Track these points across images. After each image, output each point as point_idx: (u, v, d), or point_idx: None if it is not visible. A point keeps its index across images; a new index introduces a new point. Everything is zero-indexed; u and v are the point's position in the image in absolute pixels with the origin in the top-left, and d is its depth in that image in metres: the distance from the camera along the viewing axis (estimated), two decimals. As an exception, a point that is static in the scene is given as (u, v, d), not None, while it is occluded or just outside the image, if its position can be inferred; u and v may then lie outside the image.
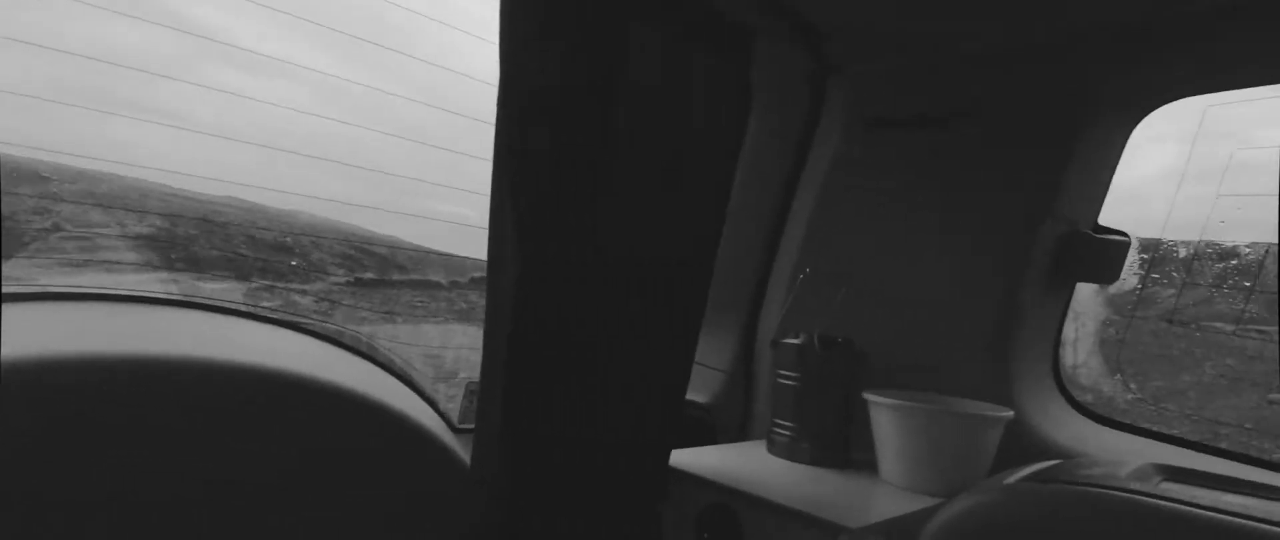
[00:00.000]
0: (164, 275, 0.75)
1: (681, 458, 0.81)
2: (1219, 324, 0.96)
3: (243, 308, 0.72)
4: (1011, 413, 0.78)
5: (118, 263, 0.73)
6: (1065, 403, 0.93)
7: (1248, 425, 0.88)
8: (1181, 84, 0.80)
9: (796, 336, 0.89)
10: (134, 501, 0.59)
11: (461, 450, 0.78)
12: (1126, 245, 0.88)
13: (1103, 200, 0.89)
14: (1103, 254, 0.87)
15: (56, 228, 0.87)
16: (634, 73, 0.63)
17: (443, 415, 0.84)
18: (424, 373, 0.80)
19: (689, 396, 1.03)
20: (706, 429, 1.03)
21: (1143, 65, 0.80)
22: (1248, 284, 0.89)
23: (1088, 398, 0.94)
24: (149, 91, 0.98)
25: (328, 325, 0.78)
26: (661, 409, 0.76)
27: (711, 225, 0.75)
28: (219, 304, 0.73)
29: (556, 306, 0.62)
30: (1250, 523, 0.45)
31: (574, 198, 0.61)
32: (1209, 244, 0.92)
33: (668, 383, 0.76)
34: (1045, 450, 0.85)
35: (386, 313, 0.94)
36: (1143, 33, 0.78)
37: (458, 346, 0.93)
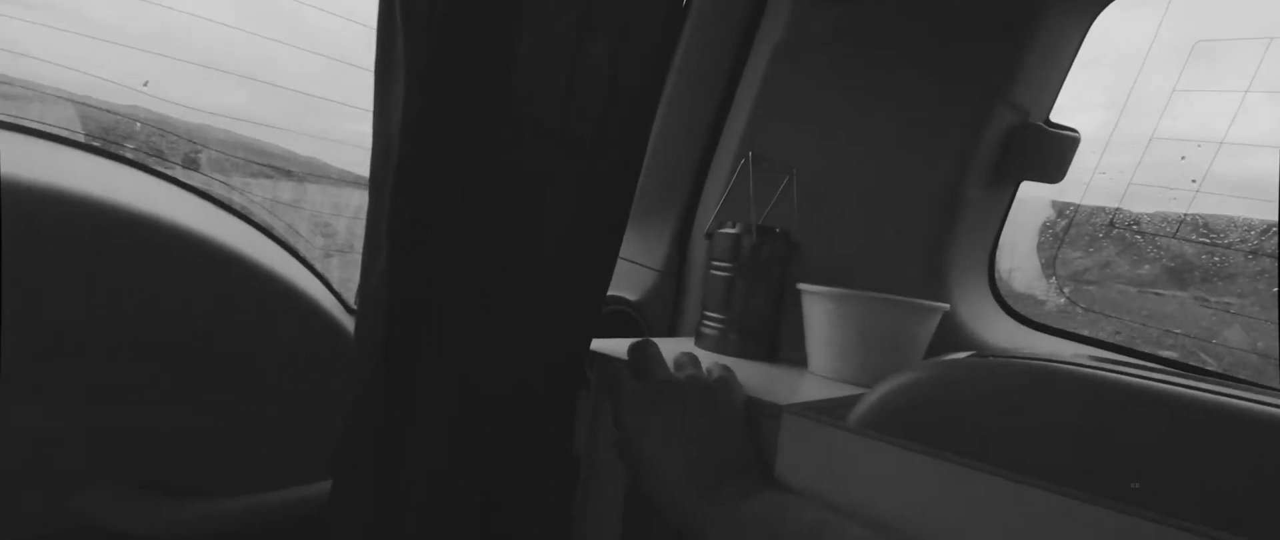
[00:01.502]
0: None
1: (602, 345, 0.75)
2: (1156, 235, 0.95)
3: (87, 140, 0.59)
4: (947, 306, 0.74)
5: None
6: (997, 305, 0.91)
7: (1176, 329, 0.88)
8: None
9: (733, 226, 0.83)
10: None
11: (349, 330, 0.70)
12: (1076, 142, 0.85)
13: (1057, 94, 0.85)
14: (1052, 149, 0.84)
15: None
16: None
17: (336, 294, 0.74)
18: (312, 243, 0.70)
19: (616, 292, 0.97)
20: (633, 324, 0.98)
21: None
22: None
23: (1021, 303, 0.92)
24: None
25: (193, 176, 0.67)
26: (580, 304, 0.68)
27: (640, 118, 0.66)
28: (54, 131, 0.59)
29: (454, 156, 0.53)
30: (1187, 390, 0.43)
31: (472, 75, 0.51)
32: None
33: (587, 279, 0.68)
34: (975, 347, 0.83)
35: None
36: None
37: (354, 212, 0.82)
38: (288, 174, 0.80)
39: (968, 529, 0.43)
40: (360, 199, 0.78)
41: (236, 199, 0.67)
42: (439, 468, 0.58)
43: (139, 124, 0.83)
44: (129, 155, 0.59)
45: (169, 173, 0.60)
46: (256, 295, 0.62)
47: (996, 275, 0.92)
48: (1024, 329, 0.88)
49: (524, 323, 0.61)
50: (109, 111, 0.80)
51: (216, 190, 0.63)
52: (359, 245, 0.58)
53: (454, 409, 0.58)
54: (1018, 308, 0.91)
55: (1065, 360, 0.50)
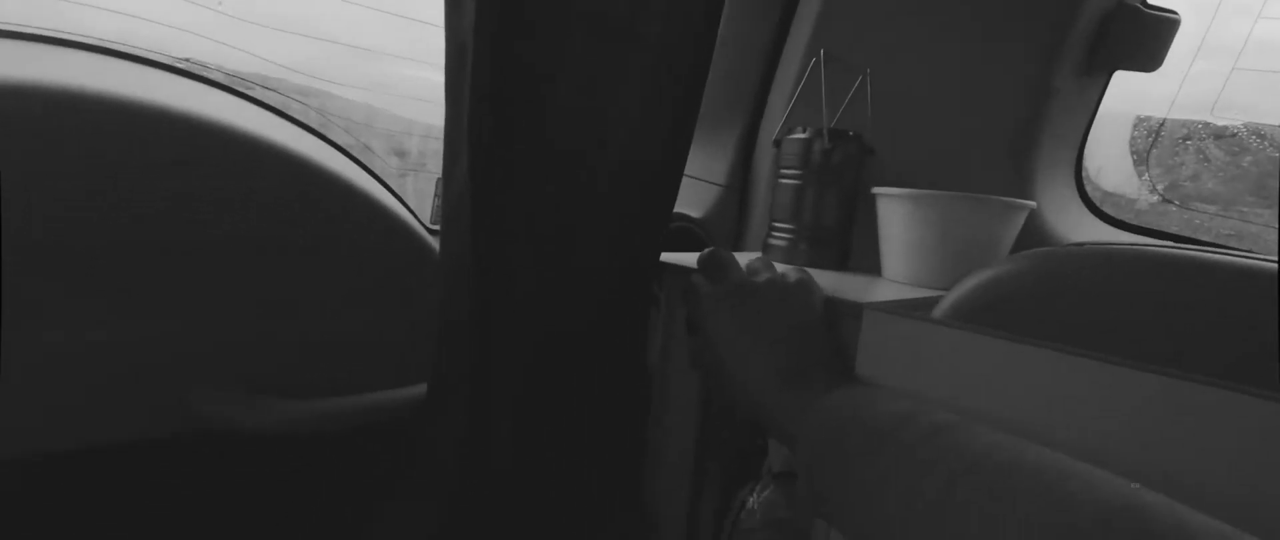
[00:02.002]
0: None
1: (671, 258, 0.75)
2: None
3: (156, 57, 0.61)
4: (1034, 203, 0.71)
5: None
6: (1083, 205, 0.87)
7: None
8: None
9: (803, 131, 0.80)
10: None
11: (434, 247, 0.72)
12: (1176, 24, 0.78)
13: (1156, -30, 0.78)
14: (1150, 33, 0.77)
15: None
16: None
17: (412, 212, 0.76)
18: (387, 161, 0.71)
19: (680, 210, 0.96)
20: (697, 241, 0.97)
21: None
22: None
23: (1110, 205, 0.88)
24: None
25: (270, 93, 0.68)
26: (650, 208, 0.68)
27: (707, 12, 0.63)
28: (143, 54, 0.61)
29: (529, 66, 0.52)
30: None
31: None
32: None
33: (658, 178, 0.68)
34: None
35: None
36: None
37: (424, 133, 0.82)
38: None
39: (1071, 419, 0.42)
40: (430, 113, 0.78)
41: (313, 117, 0.68)
42: (525, 375, 0.60)
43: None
44: (209, 76, 0.61)
45: (249, 93, 0.61)
46: (343, 208, 0.63)
47: (1084, 174, 0.87)
48: (1112, 230, 0.84)
49: (598, 235, 0.61)
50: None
51: (294, 109, 0.64)
52: (431, 163, 0.58)
53: (536, 319, 0.59)
54: (1106, 208, 0.86)
55: (1169, 244, 0.48)
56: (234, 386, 0.60)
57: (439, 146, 0.56)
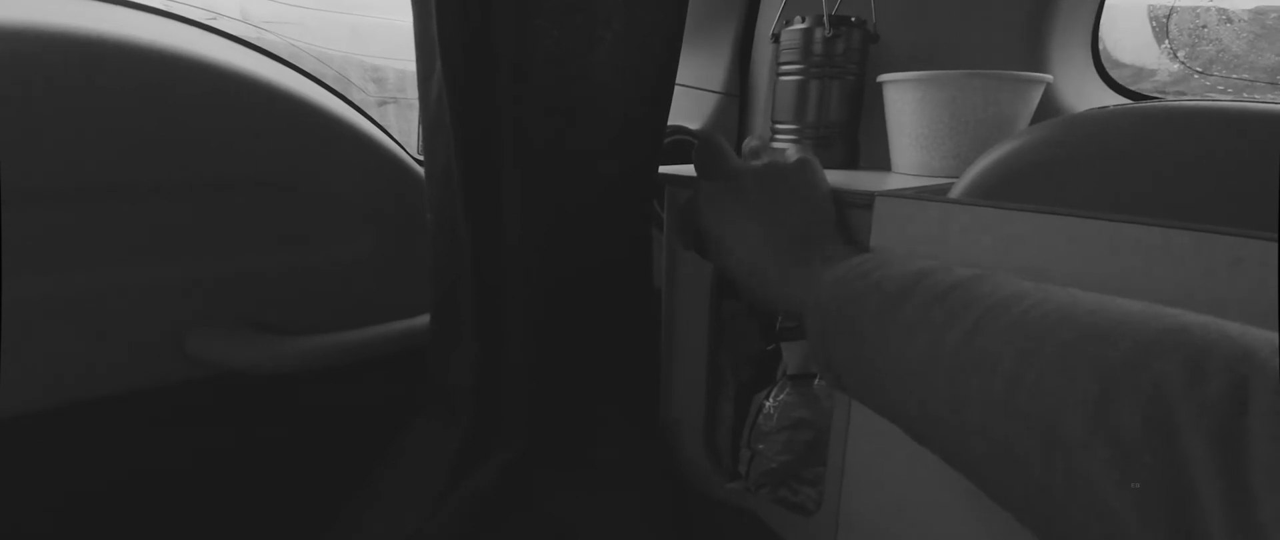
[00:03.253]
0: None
1: (670, 169, 0.72)
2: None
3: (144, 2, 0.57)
4: (1050, 77, 0.67)
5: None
6: (1100, 80, 0.82)
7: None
8: None
9: (802, 21, 0.76)
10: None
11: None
12: None
13: None
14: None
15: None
16: None
17: (397, 141, 0.73)
18: (365, 89, 0.67)
19: (678, 122, 0.92)
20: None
21: None
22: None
23: (1126, 73, 0.83)
24: None
25: (236, 24, 0.65)
26: (644, 126, 0.64)
27: None
28: None
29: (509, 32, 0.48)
30: None
31: None
32: None
33: (650, 99, 0.63)
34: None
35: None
36: None
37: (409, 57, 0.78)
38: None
39: (1094, 283, 0.40)
40: (402, 41, 0.75)
41: (282, 48, 0.64)
42: (531, 296, 0.59)
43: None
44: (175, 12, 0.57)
45: (218, 26, 0.58)
46: (324, 139, 0.61)
47: (1101, 45, 0.82)
48: (1129, 104, 0.80)
49: (592, 143, 0.58)
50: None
51: (265, 40, 0.61)
52: (411, 90, 0.55)
53: (536, 232, 0.57)
54: (1124, 81, 0.82)
55: (1175, 101, 0.45)
56: (239, 328, 0.59)
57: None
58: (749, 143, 0.60)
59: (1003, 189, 0.47)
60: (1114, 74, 0.83)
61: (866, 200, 0.50)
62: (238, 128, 0.57)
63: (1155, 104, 0.44)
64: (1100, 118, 0.45)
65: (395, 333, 0.65)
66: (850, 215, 0.54)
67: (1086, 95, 0.80)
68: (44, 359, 0.53)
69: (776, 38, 0.79)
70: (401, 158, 0.68)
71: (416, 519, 0.56)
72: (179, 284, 0.58)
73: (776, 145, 0.76)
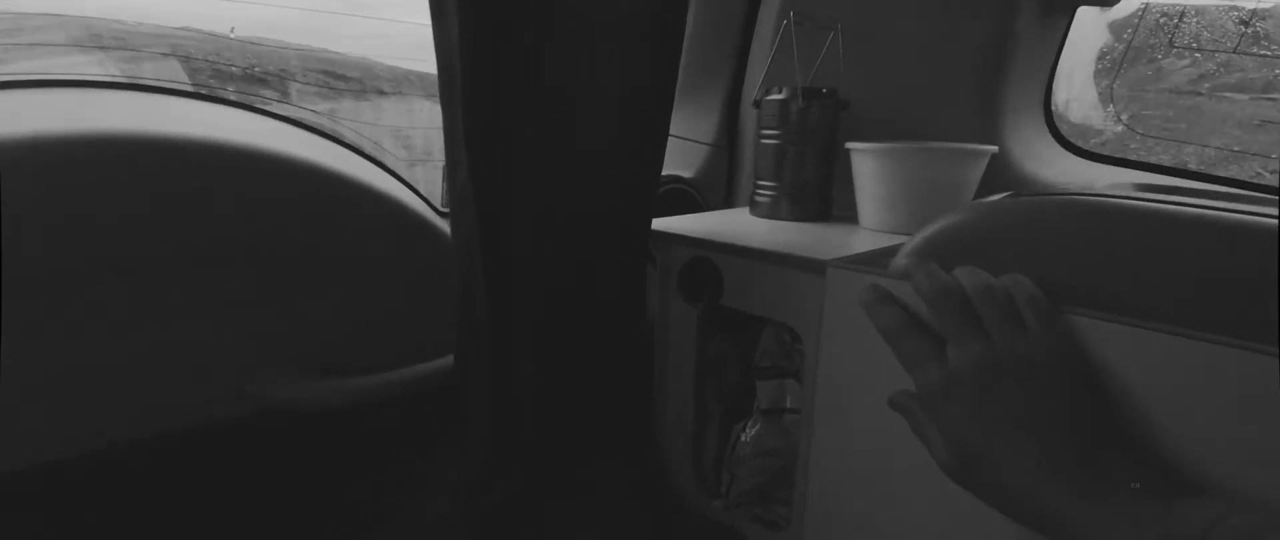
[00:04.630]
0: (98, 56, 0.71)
1: (662, 223, 0.82)
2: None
3: (193, 88, 0.68)
4: (995, 148, 0.77)
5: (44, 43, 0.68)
6: (1052, 139, 0.92)
7: (1236, 148, 0.86)
8: None
9: (780, 91, 0.86)
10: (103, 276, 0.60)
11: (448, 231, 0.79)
12: (1132, -40, 0.81)
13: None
14: (1105, -29, 0.81)
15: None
16: None
17: (424, 198, 0.83)
18: (396, 154, 0.78)
19: (671, 171, 1.02)
20: (690, 201, 1.04)
21: None
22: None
23: (1078, 135, 0.92)
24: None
25: (286, 106, 0.75)
26: (638, 178, 0.74)
27: None
28: (168, 85, 0.68)
29: (509, 66, 0.58)
30: (1226, 213, 0.44)
31: None
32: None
33: (642, 149, 0.73)
34: (1029, 187, 0.85)
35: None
36: None
37: (427, 125, 0.89)
38: (360, 92, 0.88)
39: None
40: (428, 110, 0.85)
41: (326, 124, 0.75)
42: (541, 335, 0.68)
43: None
44: (232, 98, 0.67)
45: (268, 108, 0.68)
46: (360, 207, 0.71)
47: (1053, 108, 0.92)
48: (1083, 163, 0.89)
49: (592, 204, 0.68)
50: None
51: (308, 118, 0.71)
52: (436, 153, 0.65)
53: (545, 284, 0.67)
54: (1076, 140, 0.91)
55: (1100, 192, 0.53)
56: (287, 371, 0.69)
57: (442, 137, 0.63)
58: (899, 263, 0.55)
59: (945, 257, 0.55)
60: (1066, 133, 0.92)
61: (820, 268, 0.60)
62: (292, 204, 0.67)
63: (1084, 198, 0.48)
64: (1008, 209, 0.54)
65: (424, 372, 0.75)
66: (805, 281, 0.63)
67: (1039, 156, 0.89)
68: (134, 398, 0.64)
69: (758, 104, 0.89)
70: (429, 218, 0.78)
71: (440, 530, 0.66)
72: (241, 334, 0.68)
73: (762, 215, 0.85)
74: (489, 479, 0.70)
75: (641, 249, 0.75)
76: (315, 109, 0.81)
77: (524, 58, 0.59)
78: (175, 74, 0.73)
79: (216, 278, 0.65)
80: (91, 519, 0.65)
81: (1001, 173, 0.84)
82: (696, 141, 1.07)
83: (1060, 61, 0.89)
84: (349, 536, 0.69)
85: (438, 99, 0.60)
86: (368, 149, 0.75)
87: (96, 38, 0.80)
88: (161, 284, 0.63)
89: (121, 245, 0.60)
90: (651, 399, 0.81)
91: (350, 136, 0.74)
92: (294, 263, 0.69)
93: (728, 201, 1.09)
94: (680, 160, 1.05)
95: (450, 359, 0.72)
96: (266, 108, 0.69)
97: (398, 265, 0.75)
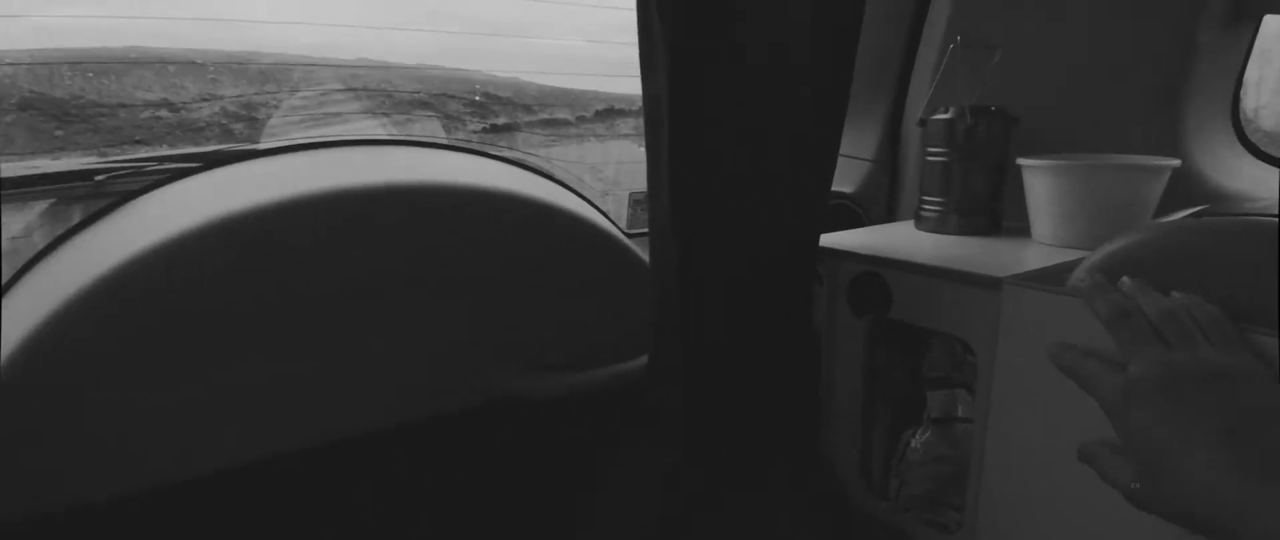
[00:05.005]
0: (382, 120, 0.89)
1: (829, 239, 0.88)
2: None
3: (445, 141, 0.84)
4: (1177, 162, 0.76)
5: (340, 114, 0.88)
6: (1242, 149, 0.88)
7: None
8: None
9: (946, 111, 0.89)
10: (376, 277, 0.76)
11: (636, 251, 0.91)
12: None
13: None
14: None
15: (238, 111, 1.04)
16: None
17: (613, 222, 0.95)
18: (593, 186, 0.90)
19: (835, 187, 1.08)
20: (854, 217, 1.09)
21: None
22: None
23: (1271, 144, 0.88)
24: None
25: (510, 151, 0.90)
26: (810, 199, 0.81)
27: (849, 16, 0.74)
28: (427, 140, 0.85)
29: (708, 111, 0.67)
30: None
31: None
32: None
33: (815, 174, 0.80)
34: (1217, 199, 0.83)
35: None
36: None
37: (617, 161, 1.03)
38: (565, 136, 1.05)
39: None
40: (618, 150, 0.99)
41: (542, 164, 0.90)
42: (725, 342, 0.77)
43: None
44: (470, 146, 0.83)
45: (500, 154, 0.84)
46: (569, 230, 0.84)
47: (1243, 116, 0.88)
48: (1273, 171, 0.85)
49: (772, 227, 0.76)
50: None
51: (531, 161, 0.86)
52: (625, 182, 0.76)
53: (729, 296, 0.76)
54: (1268, 148, 0.87)
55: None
56: (517, 366, 0.83)
57: (624, 171, 0.74)
58: (1077, 281, 0.57)
59: (1123, 276, 0.57)
60: (1259, 141, 0.88)
61: (996, 284, 0.64)
62: (517, 230, 0.81)
63: (1269, 220, 0.48)
64: (1205, 228, 0.54)
65: (619, 372, 0.86)
66: (974, 294, 0.67)
67: (1228, 166, 0.86)
68: (392, 391, 0.79)
69: (923, 123, 0.93)
70: (620, 240, 0.90)
71: (638, 515, 0.77)
72: (478, 336, 0.82)
73: (928, 229, 0.89)
74: (677, 472, 0.80)
75: (811, 264, 0.82)
76: (535, 153, 0.97)
77: (720, 102, 0.68)
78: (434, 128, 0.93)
79: (455, 291, 0.79)
80: (355, 493, 0.81)
81: (1185, 184, 0.82)
82: (859, 158, 1.12)
83: (1247, 70, 0.86)
84: (555, 513, 0.82)
85: (588, 119, 0.71)
86: (572, 183, 0.88)
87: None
88: (417, 296, 0.78)
89: (399, 264, 0.75)
90: (819, 404, 0.87)
91: (559, 173, 0.87)
92: (516, 277, 0.82)
93: (889, 215, 1.12)
94: (842, 176, 1.11)
95: (643, 360, 0.83)
96: (497, 152, 0.84)
97: (595, 278, 0.87)
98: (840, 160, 1.14)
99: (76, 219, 0.69)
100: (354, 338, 0.74)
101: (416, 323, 0.78)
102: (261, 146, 0.79)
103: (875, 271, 0.79)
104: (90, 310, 0.60)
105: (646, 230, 0.78)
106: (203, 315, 0.65)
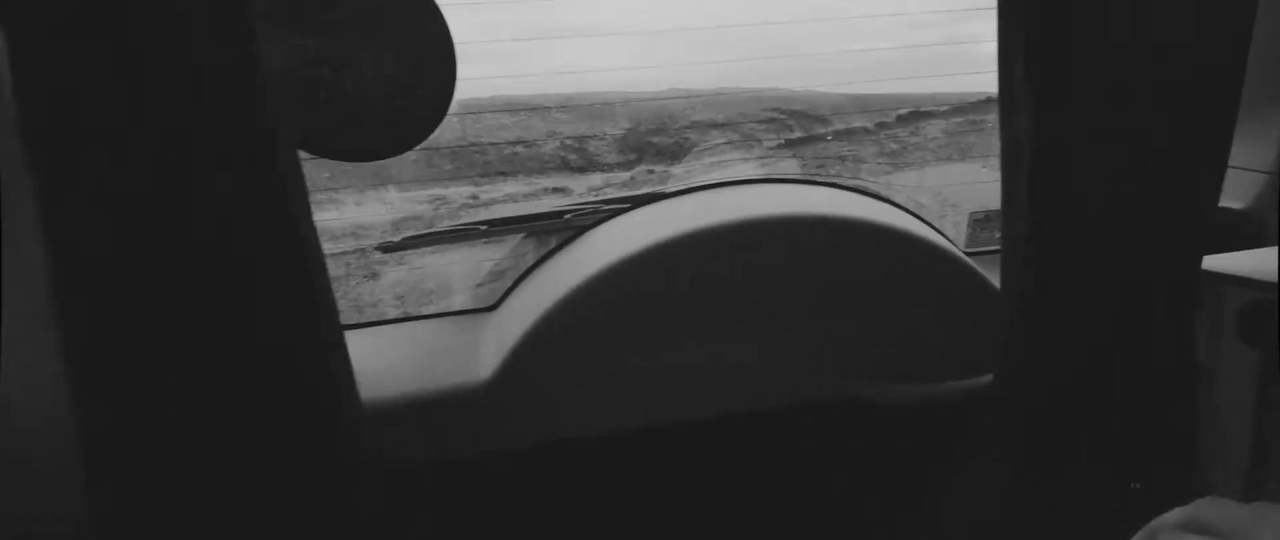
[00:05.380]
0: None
1: (1215, 261, 0.81)
2: None
3: (802, 176, 0.99)
4: None
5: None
6: None
7: None
8: None
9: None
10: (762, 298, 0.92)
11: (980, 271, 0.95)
12: None
13: None
14: None
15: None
16: None
17: (951, 242, 1.00)
18: (930, 207, 0.97)
19: (1223, 203, 0.98)
20: (1243, 237, 0.98)
21: None
22: None
23: None
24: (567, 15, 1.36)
25: (853, 181, 1.01)
26: (1188, 219, 0.77)
27: (1241, 9, 0.70)
28: (787, 176, 1.00)
29: (1071, 149, 0.70)
30: None
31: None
32: None
33: (1195, 191, 0.77)
34: None
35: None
36: None
37: (957, 181, 1.08)
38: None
39: None
40: (956, 171, 1.04)
41: (882, 190, 1.00)
42: (1075, 368, 0.78)
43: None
44: (821, 179, 0.97)
45: (848, 184, 0.95)
46: (913, 254, 0.92)
47: None
48: None
49: (1136, 251, 0.75)
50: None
51: (872, 188, 0.97)
52: (965, 203, 0.80)
53: (1083, 324, 0.77)
54: None
55: None
56: (866, 374, 0.94)
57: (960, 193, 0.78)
58: None
59: None
60: None
61: None
62: (867, 255, 0.91)
63: None
64: None
65: (961, 388, 0.92)
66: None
67: None
68: (748, 380, 0.95)
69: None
70: (963, 260, 0.95)
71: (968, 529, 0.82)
72: (843, 346, 0.94)
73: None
74: (1015, 494, 0.83)
75: (1190, 289, 0.78)
76: (875, 180, 1.08)
77: (1084, 139, 0.70)
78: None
79: (817, 303, 0.93)
80: (719, 462, 0.98)
81: None
82: (1252, 170, 1.00)
83: None
84: (889, 512, 0.91)
85: (889, 125, 0.76)
86: (912, 207, 0.96)
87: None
88: (789, 305, 0.93)
89: (776, 279, 0.91)
90: (1193, 443, 0.82)
91: (899, 199, 0.96)
92: (868, 294, 0.93)
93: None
94: (1231, 190, 1.00)
95: (987, 378, 0.87)
96: (843, 183, 0.96)
97: (939, 297, 0.94)
98: (1229, 172, 1.02)
99: (552, 245, 0.98)
100: (740, 334, 0.91)
101: (789, 327, 0.92)
102: (669, 191, 1.01)
103: (1273, 299, 0.73)
104: (579, 304, 0.86)
105: (989, 249, 0.83)
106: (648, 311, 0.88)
